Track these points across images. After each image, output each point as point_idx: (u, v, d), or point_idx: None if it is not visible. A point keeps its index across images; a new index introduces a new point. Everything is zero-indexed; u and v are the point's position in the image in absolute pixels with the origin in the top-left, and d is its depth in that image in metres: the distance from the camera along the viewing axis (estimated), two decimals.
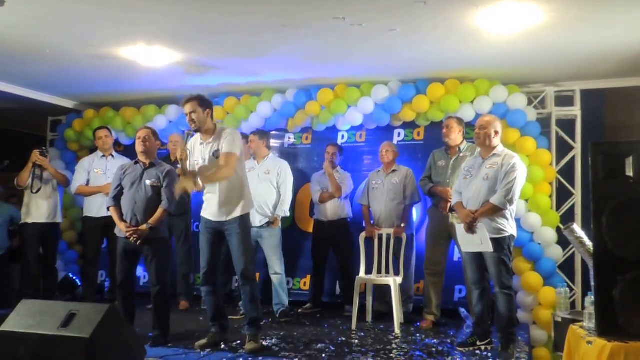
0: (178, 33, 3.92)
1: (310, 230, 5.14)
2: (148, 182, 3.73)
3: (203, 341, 3.57)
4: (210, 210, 3.52)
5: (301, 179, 5.32)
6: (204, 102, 3.42)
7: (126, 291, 3.78)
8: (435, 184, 4.32)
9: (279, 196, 4.69)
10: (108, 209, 3.86)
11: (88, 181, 5.05)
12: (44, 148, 4.99)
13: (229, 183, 3.44)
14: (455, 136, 4.28)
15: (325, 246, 4.93)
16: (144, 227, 3.63)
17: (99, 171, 5.04)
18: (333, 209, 4.85)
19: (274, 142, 5.40)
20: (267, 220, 4.61)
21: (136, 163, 3.84)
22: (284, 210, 4.72)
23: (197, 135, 3.52)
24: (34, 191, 4.93)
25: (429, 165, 4.46)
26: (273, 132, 5.40)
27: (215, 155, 3.42)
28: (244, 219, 3.52)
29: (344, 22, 3.56)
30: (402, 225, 4.52)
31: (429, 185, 4.36)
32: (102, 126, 5.29)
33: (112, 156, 5.14)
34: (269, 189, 4.65)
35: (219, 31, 3.87)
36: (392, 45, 4.06)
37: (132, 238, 3.62)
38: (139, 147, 3.80)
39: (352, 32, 3.77)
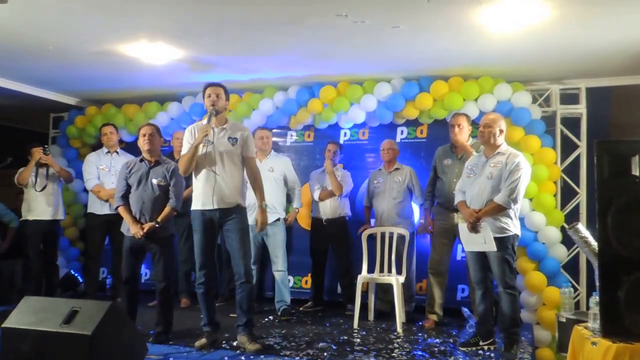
0: (180, 30, 3.90)
1: None
2: (155, 181, 3.70)
3: (203, 341, 3.52)
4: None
5: (303, 177, 5.30)
6: (227, 93, 3.66)
7: (131, 288, 3.77)
8: (441, 181, 4.27)
9: (285, 192, 4.72)
10: (116, 209, 3.79)
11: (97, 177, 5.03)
12: (45, 146, 4.97)
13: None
14: (466, 136, 4.21)
15: (324, 244, 4.91)
16: (150, 224, 3.62)
17: (104, 168, 5.02)
18: (332, 207, 4.82)
19: (275, 140, 5.39)
20: (276, 217, 4.59)
21: (141, 161, 3.79)
22: (300, 203, 4.90)
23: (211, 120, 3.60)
24: (39, 189, 4.91)
25: (433, 165, 4.37)
26: (275, 130, 5.39)
27: (232, 142, 3.53)
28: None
29: (346, 19, 3.54)
30: (422, 221, 4.49)
31: (428, 202, 4.39)
32: (107, 123, 5.27)
33: (117, 153, 5.12)
34: (274, 186, 4.63)
35: (221, 28, 3.85)
36: (396, 43, 4.03)
37: (136, 234, 3.60)
38: (144, 145, 3.74)
39: (355, 29, 3.74)
